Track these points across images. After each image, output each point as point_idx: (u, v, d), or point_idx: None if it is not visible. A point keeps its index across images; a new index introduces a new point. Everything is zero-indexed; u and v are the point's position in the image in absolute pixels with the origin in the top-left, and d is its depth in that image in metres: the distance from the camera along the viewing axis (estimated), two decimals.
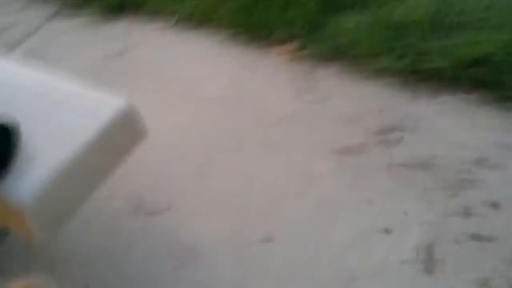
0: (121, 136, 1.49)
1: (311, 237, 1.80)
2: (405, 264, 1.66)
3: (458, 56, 2.19)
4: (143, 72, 2.66)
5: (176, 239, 1.87)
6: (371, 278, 1.65)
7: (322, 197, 1.91)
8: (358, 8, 2.57)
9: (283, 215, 1.89)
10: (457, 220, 1.76)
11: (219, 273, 1.75)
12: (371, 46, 2.38)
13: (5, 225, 1.47)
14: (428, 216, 1.78)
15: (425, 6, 2.41)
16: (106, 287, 1.77)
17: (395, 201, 1.85)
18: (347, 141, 2.10)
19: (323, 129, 2.19)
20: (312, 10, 2.60)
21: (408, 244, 1.71)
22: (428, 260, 1.66)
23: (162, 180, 2.09)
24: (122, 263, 1.82)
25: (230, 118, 2.32)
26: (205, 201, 1.99)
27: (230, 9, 2.78)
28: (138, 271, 1.79)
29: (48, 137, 1.41)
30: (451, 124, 2.10)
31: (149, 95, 2.45)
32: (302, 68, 2.49)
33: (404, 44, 2.32)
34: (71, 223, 1.80)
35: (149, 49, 2.85)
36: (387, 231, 1.76)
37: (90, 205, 1.72)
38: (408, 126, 2.12)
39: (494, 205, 1.78)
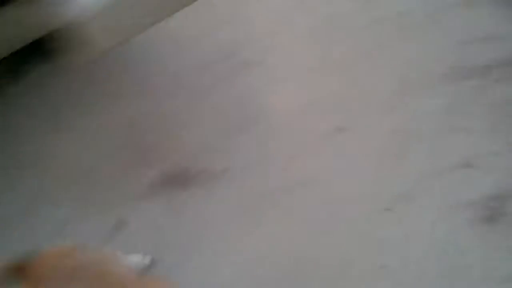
0: None
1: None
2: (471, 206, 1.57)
3: None
4: None
5: (249, 100, 1.87)
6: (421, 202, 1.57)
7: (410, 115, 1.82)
8: None
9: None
10: None
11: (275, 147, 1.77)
12: None
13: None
14: None
15: None
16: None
17: (486, 138, 1.70)
18: (457, 63, 1.92)
19: (433, 45, 2.02)
20: None
21: (484, 187, 1.59)
22: (497, 209, 1.56)
23: (267, 42, 2.07)
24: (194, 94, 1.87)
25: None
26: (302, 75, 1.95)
27: None
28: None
29: None
30: None
31: None
32: None
33: None
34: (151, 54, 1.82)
35: None
36: (468, 165, 1.64)
37: (180, 41, 1.75)
38: None
39: None
